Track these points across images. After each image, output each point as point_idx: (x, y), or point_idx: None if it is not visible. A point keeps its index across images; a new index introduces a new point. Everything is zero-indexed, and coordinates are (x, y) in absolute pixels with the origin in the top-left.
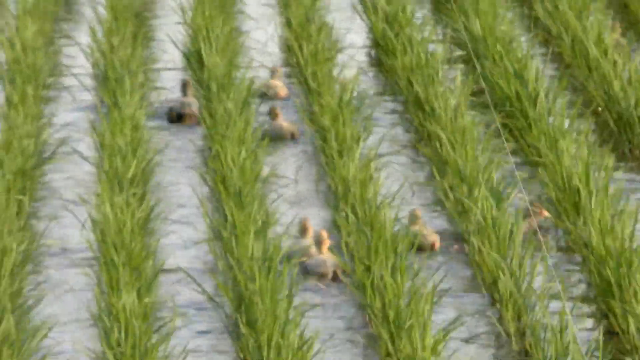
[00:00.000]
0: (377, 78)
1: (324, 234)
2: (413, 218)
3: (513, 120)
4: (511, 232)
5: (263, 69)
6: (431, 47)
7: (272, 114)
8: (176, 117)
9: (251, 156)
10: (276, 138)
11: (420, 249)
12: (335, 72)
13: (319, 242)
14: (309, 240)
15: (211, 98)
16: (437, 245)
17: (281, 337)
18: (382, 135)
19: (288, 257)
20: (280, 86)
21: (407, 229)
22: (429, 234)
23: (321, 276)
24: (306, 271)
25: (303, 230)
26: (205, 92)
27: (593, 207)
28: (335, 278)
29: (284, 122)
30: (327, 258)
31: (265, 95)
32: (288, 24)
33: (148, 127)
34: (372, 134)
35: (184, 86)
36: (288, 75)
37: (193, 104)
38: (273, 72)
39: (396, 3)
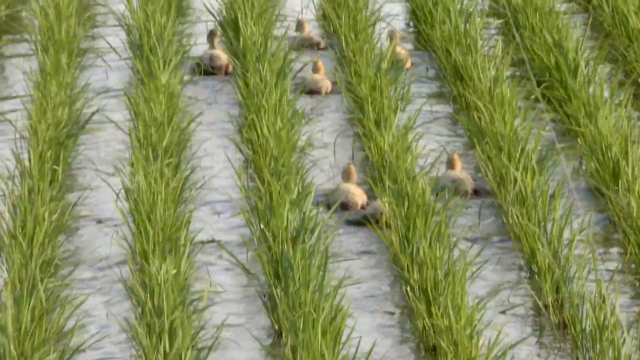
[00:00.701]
0: (416, 47)
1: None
2: (452, 162)
3: (552, 90)
4: (551, 201)
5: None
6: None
7: (315, 68)
8: (204, 71)
9: (287, 125)
10: (312, 92)
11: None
12: (373, 42)
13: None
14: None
15: (247, 67)
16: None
17: (315, 309)
18: (420, 106)
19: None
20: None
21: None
22: (467, 180)
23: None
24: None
25: (347, 176)
26: (241, 61)
27: (632, 177)
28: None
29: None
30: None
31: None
32: None
33: (183, 94)
34: (411, 104)
35: (211, 36)
36: (325, 47)
37: (221, 56)
38: (300, 25)
39: None
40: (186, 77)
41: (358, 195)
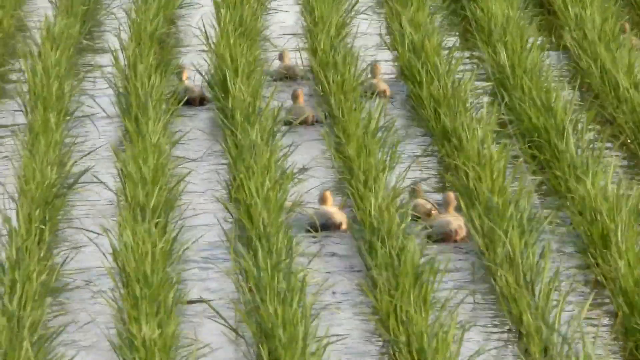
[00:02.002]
0: (404, 108)
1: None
2: (413, 192)
3: (541, 151)
4: (539, 265)
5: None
6: (458, 77)
7: (294, 97)
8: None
9: (275, 187)
10: (296, 119)
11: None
12: (360, 101)
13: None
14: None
15: (236, 127)
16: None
17: None
18: (408, 166)
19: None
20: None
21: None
22: (427, 204)
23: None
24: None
25: (323, 200)
26: (230, 121)
27: (621, 240)
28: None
29: (305, 105)
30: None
31: (285, 77)
32: (313, 53)
33: (172, 152)
34: (399, 164)
35: (179, 73)
36: (315, 105)
37: (194, 89)
38: (281, 55)
39: (423, 32)
40: (175, 137)
41: (337, 214)
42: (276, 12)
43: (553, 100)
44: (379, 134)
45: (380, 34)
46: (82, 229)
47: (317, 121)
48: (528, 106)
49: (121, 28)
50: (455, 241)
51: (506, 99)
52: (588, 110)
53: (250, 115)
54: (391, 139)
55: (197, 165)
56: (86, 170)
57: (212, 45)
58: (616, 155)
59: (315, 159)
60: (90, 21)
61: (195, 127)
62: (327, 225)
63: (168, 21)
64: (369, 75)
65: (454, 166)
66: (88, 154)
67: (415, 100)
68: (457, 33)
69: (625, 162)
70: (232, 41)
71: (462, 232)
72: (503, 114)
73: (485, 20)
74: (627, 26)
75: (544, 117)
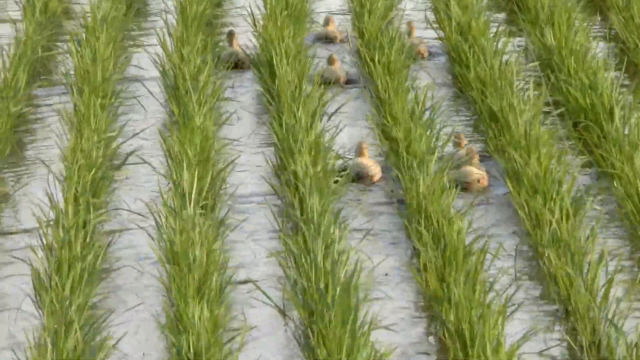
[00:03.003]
0: (451, 89)
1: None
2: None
3: (588, 132)
4: (587, 243)
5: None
6: (505, 58)
7: (329, 60)
8: (228, 65)
9: (323, 169)
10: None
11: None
12: (407, 84)
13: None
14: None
15: (282, 109)
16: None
17: (348, 356)
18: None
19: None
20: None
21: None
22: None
23: None
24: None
25: (359, 152)
26: (276, 102)
27: None
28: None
29: (339, 68)
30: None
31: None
32: (360, 35)
33: (218, 135)
34: (446, 146)
35: (230, 36)
36: (361, 86)
37: (240, 53)
38: (327, 21)
39: (469, 14)
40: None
41: (371, 166)
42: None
43: (600, 82)
44: (426, 116)
45: (425, 17)
46: (129, 210)
47: (349, 82)
48: (575, 87)
49: (167, 10)
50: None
51: (552, 80)
52: (635, 91)
53: (296, 97)
54: (438, 121)
55: (244, 147)
56: (132, 152)
57: (259, 27)
58: None
59: (361, 137)
60: (136, 4)
61: (241, 107)
62: (361, 176)
63: (214, 3)
64: (406, 36)
65: (501, 147)
66: (134, 136)
67: (462, 81)
68: (504, 14)
69: None
70: (279, 23)
71: (485, 182)
72: (550, 95)
73: (532, 1)
74: None
75: (591, 98)
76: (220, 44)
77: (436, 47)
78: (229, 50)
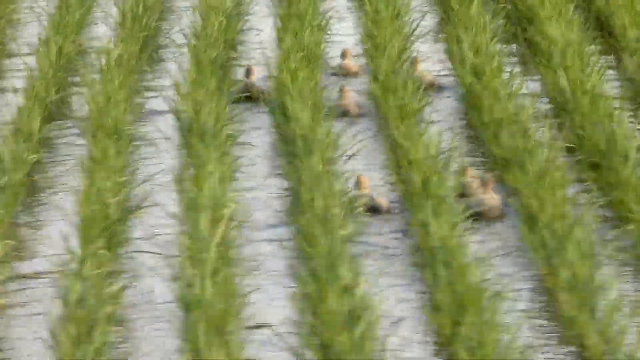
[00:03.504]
0: (465, 131)
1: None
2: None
3: (603, 176)
4: (601, 288)
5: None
6: (519, 100)
7: (340, 92)
8: (243, 98)
9: (338, 215)
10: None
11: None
12: (421, 127)
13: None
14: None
15: (296, 153)
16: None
17: None
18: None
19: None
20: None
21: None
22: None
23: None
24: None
25: (359, 185)
26: (290, 146)
27: None
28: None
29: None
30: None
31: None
32: (374, 77)
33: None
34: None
35: (248, 71)
36: (374, 128)
37: (256, 84)
38: (344, 54)
39: (484, 56)
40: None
41: (381, 198)
42: (337, 37)
43: (615, 124)
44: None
45: (440, 60)
46: (145, 254)
47: (360, 115)
48: (589, 130)
49: (181, 53)
50: (490, 218)
51: (567, 123)
52: None
53: (310, 143)
54: (454, 163)
55: (259, 190)
56: (147, 196)
57: (273, 71)
58: None
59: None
60: (150, 47)
61: (255, 153)
62: (374, 208)
63: (229, 46)
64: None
65: (517, 191)
66: (148, 179)
67: (477, 123)
68: (517, 57)
69: None
70: (293, 66)
71: (497, 212)
72: (564, 139)
73: (546, 44)
74: None
75: (605, 140)
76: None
77: (444, 82)
78: (245, 82)
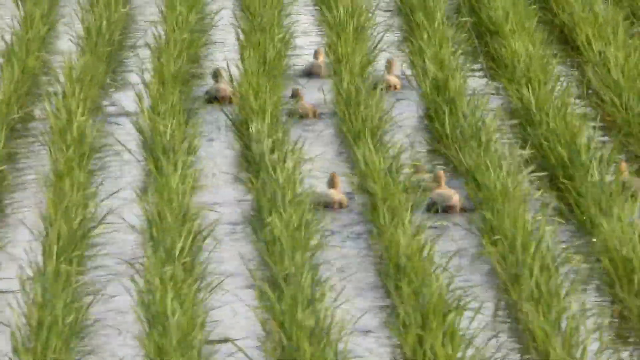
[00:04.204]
0: (428, 146)
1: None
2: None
3: (566, 187)
4: (565, 300)
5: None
6: (482, 114)
7: (293, 95)
8: (211, 100)
9: (302, 225)
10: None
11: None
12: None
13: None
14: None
15: (259, 168)
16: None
17: None
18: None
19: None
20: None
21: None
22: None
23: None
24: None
25: (332, 183)
26: (254, 165)
27: None
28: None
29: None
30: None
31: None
32: (338, 90)
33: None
34: (425, 201)
35: (215, 74)
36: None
37: (226, 89)
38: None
39: (446, 70)
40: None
41: (335, 194)
42: (301, 52)
43: (577, 137)
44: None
45: (403, 73)
46: (109, 269)
47: (320, 114)
48: (552, 143)
49: (145, 67)
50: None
51: (530, 136)
52: (612, 146)
53: (276, 157)
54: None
55: (223, 205)
56: (110, 211)
57: (236, 85)
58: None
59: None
60: (114, 61)
61: (220, 168)
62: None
63: (192, 60)
64: (384, 71)
65: (480, 203)
66: (112, 194)
67: (439, 138)
68: (480, 70)
69: None
70: (255, 81)
71: (456, 204)
72: (527, 151)
73: (509, 57)
74: None
75: (568, 153)
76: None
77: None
78: (214, 86)
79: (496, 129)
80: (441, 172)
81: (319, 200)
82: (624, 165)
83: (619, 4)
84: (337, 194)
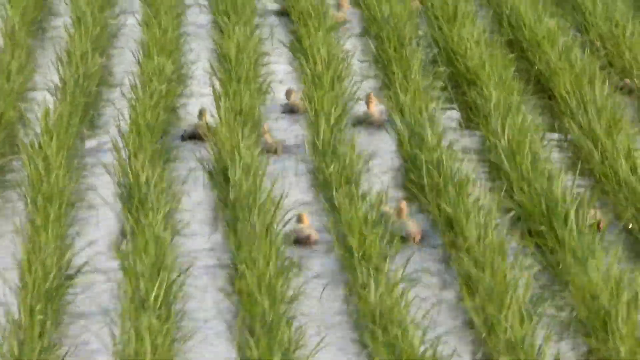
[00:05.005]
0: (406, 195)
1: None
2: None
3: (542, 237)
4: (541, 350)
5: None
6: (459, 163)
7: (299, 220)
8: (189, 136)
9: (278, 276)
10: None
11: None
12: (360, 191)
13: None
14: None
15: (237, 216)
16: (417, 237)
17: None
18: (411, 254)
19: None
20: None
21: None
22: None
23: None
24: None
25: (300, 220)
26: (231, 210)
27: (621, 326)
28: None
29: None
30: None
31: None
32: (313, 144)
33: (173, 243)
34: (400, 252)
35: (200, 113)
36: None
37: (206, 127)
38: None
39: (423, 120)
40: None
41: (305, 227)
42: (277, 102)
43: (554, 186)
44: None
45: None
46: (85, 320)
47: (287, 151)
48: (529, 192)
49: (121, 118)
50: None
51: (506, 186)
52: (589, 195)
53: (251, 206)
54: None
55: (200, 254)
56: (87, 262)
57: (212, 134)
58: (616, 241)
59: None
60: (90, 111)
61: (196, 217)
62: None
63: (168, 111)
64: (365, 106)
65: (456, 253)
66: (89, 244)
67: (416, 188)
68: (458, 119)
69: (626, 247)
70: (232, 130)
71: (419, 236)
72: (504, 200)
73: (486, 106)
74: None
75: (545, 203)
76: (175, 152)
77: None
78: (194, 123)
79: (473, 178)
80: (404, 204)
81: (290, 236)
82: (595, 211)
83: (595, 54)
84: (307, 228)
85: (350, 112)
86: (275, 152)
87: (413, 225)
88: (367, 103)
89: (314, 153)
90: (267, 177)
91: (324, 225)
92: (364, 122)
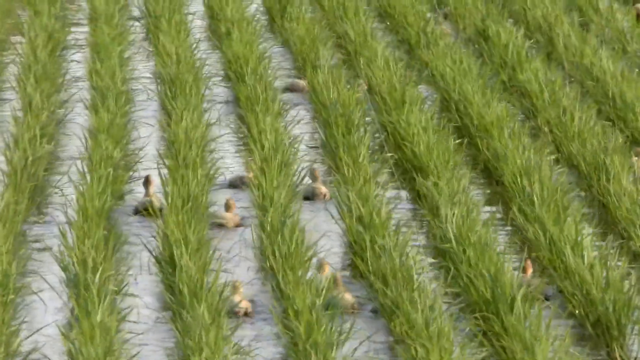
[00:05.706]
0: (353, 282)
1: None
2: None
3: (489, 323)
4: None
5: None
6: (406, 251)
7: (226, 206)
8: (141, 209)
9: None
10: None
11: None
12: (308, 276)
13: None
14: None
15: (183, 304)
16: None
17: None
18: (359, 343)
19: None
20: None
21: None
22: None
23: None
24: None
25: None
26: (177, 297)
27: None
28: None
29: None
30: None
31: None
32: (262, 227)
33: (120, 329)
34: (349, 340)
35: (146, 182)
36: (262, 284)
37: (155, 200)
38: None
39: (371, 206)
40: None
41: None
42: (224, 187)
43: (500, 273)
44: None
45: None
46: None
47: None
48: (475, 279)
49: (68, 203)
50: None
51: (453, 272)
52: (537, 282)
53: (197, 292)
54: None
55: (146, 340)
56: (33, 350)
57: (160, 222)
58: (564, 326)
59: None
60: (37, 198)
61: (143, 303)
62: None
63: (116, 196)
64: (309, 180)
65: (403, 341)
66: (36, 331)
67: (362, 274)
68: (407, 204)
69: (574, 333)
70: (179, 217)
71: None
72: (451, 288)
73: (435, 193)
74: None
75: (492, 290)
76: (122, 238)
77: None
78: (144, 199)
79: (420, 264)
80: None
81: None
82: (529, 262)
83: (543, 139)
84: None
85: (297, 192)
86: (246, 314)
87: (349, 297)
88: (313, 177)
89: (261, 239)
90: (214, 261)
91: (269, 310)
92: (312, 195)
